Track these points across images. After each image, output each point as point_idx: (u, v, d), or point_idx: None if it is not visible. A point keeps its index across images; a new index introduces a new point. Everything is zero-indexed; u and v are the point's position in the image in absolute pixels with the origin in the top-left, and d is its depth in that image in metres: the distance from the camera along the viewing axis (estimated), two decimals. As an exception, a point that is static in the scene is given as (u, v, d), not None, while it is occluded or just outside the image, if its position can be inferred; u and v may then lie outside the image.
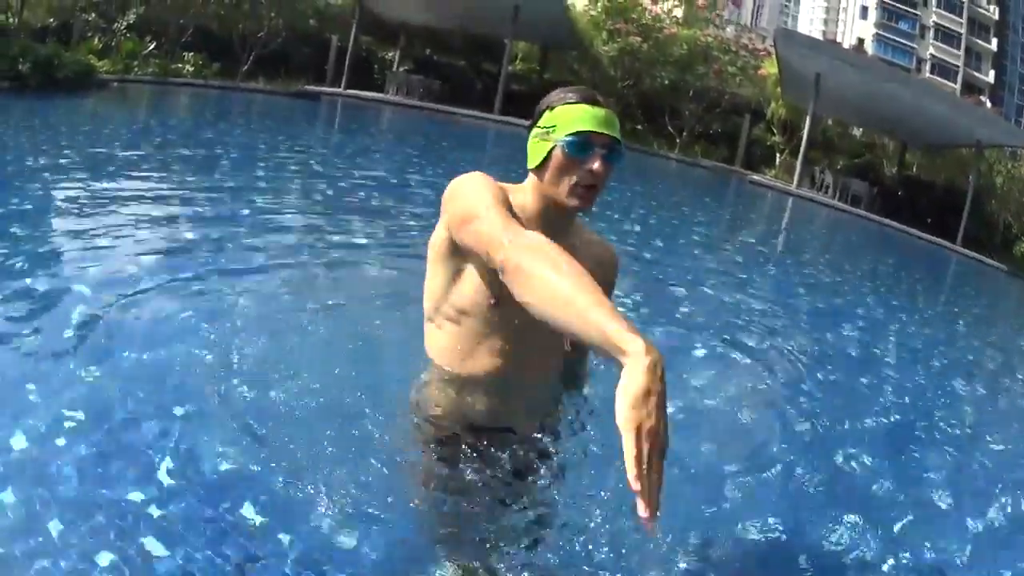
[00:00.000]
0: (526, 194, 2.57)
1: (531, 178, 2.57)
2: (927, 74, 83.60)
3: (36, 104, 14.39)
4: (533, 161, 2.53)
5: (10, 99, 14.35)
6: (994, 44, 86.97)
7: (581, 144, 2.42)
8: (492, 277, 2.36)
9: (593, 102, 2.46)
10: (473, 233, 2.26)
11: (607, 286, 2.70)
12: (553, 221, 2.53)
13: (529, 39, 34.31)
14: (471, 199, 2.33)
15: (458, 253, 2.50)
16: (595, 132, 2.42)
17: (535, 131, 2.53)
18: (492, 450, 2.61)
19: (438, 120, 25.83)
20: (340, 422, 3.08)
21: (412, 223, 8.55)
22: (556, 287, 1.80)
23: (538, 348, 2.58)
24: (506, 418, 2.68)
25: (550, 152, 2.47)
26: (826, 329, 7.95)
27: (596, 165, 2.41)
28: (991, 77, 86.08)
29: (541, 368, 2.70)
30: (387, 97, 29.01)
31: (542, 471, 2.70)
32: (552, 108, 2.49)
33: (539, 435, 2.73)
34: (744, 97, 31.96)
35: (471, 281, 2.53)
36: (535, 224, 2.47)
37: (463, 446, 2.62)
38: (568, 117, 2.43)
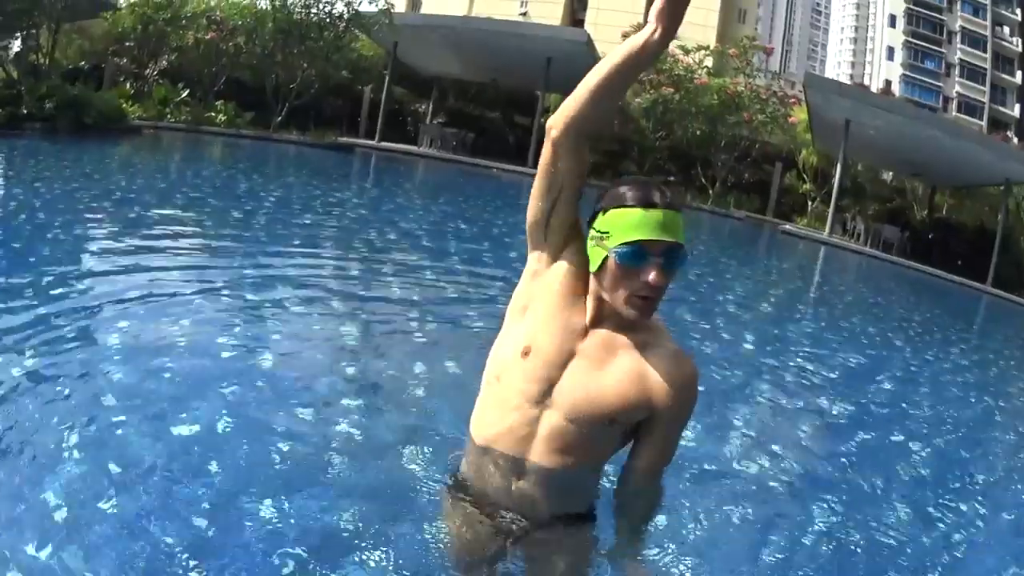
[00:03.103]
0: (591, 294, 2.43)
1: (593, 279, 2.40)
2: (954, 112, 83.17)
3: (67, 148, 14.54)
4: (592, 266, 2.37)
5: (42, 142, 14.56)
6: (1019, 77, 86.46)
7: (635, 254, 2.24)
8: (529, 326, 2.45)
9: (648, 204, 2.25)
10: (538, 173, 2.46)
11: (684, 409, 2.46)
12: (621, 319, 2.39)
13: (561, 91, 34.48)
14: None
15: (539, 278, 2.51)
16: (651, 240, 2.23)
17: (591, 233, 2.36)
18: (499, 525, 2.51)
19: (472, 173, 26.02)
20: (377, 480, 3.20)
21: (446, 282, 8.62)
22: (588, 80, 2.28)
23: (555, 433, 2.39)
24: (518, 499, 2.47)
25: (605, 259, 2.30)
26: (859, 382, 7.74)
27: (652, 276, 2.24)
28: (1016, 111, 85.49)
29: (555, 455, 2.41)
30: (421, 150, 29.32)
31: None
32: (605, 211, 2.31)
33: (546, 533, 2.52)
34: (775, 145, 32.04)
35: (515, 333, 2.49)
36: (602, 322, 2.42)
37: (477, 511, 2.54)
38: (621, 224, 2.25)
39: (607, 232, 2.28)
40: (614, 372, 2.38)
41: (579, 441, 2.40)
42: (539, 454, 2.41)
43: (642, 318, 2.34)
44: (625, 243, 2.24)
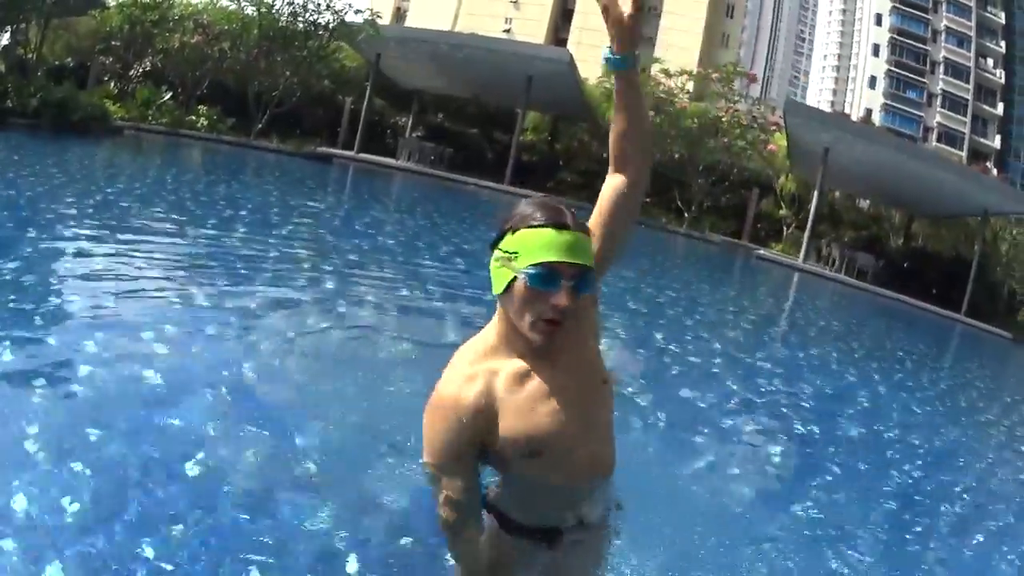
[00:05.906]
0: (497, 326, 2.29)
1: (499, 305, 2.26)
2: (934, 142, 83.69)
3: (51, 146, 14.55)
4: (497, 288, 2.20)
5: (26, 138, 14.55)
6: (1000, 109, 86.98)
7: (546, 277, 2.09)
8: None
9: (559, 225, 2.12)
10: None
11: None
12: (536, 346, 2.22)
13: (541, 109, 34.62)
14: None
15: None
16: (564, 263, 2.09)
17: (497, 254, 2.20)
18: None
19: (449, 188, 26.03)
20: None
21: (422, 298, 8.62)
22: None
23: (607, 444, 2.35)
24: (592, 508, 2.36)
25: (512, 281, 2.15)
26: (829, 410, 7.83)
27: (562, 300, 2.09)
28: (997, 143, 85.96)
29: (612, 453, 2.38)
30: (399, 163, 29.33)
31: None
32: (514, 231, 2.16)
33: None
34: (753, 171, 32.23)
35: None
36: (517, 352, 2.25)
37: None
38: (531, 244, 2.11)
39: (516, 252, 2.13)
40: (572, 351, 2.27)
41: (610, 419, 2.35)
42: (608, 466, 2.34)
43: (545, 343, 2.18)
44: (536, 264, 2.10)
